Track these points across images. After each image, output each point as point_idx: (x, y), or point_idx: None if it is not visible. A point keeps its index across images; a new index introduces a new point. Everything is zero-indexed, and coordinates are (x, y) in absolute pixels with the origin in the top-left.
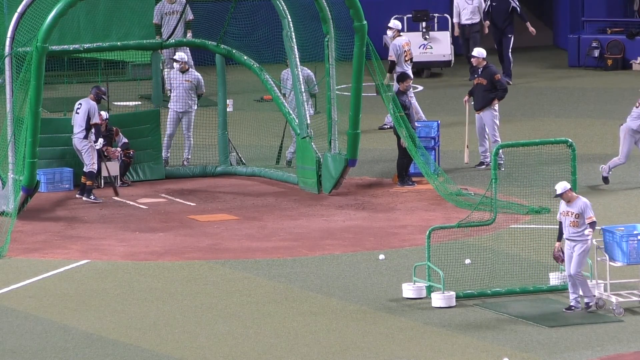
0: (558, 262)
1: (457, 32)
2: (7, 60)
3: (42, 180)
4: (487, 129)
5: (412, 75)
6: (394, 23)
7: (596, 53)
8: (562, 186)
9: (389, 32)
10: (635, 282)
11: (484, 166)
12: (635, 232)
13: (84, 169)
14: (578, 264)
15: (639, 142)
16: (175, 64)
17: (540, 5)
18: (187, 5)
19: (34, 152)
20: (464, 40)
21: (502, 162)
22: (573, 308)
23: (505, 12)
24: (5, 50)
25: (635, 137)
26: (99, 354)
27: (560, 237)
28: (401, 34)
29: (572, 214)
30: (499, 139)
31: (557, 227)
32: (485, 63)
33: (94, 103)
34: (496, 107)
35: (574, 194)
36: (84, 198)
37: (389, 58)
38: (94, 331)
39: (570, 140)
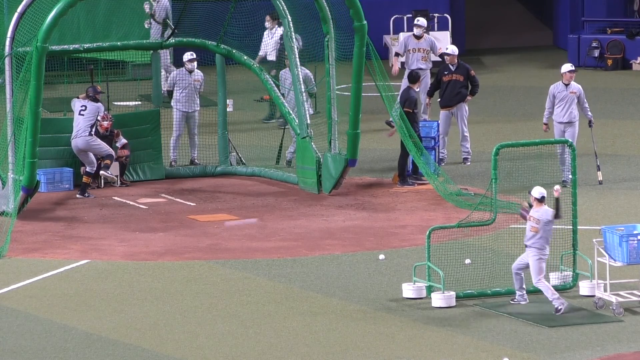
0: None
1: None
2: (7, 60)
3: (42, 180)
4: (459, 124)
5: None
6: (423, 21)
7: (596, 53)
8: (538, 191)
9: (416, 30)
10: (635, 282)
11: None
12: (635, 232)
13: (87, 169)
14: (536, 272)
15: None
16: (190, 63)
17: (540, 5)
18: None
19: (34, 152)
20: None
21: (469, 156)
22: (516, 301)
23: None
24: (5, 50)
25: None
26: (99, 354)
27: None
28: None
29: (533, 219)
30: (468, 134)
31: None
32: (457, 60)
33: (98, 104)
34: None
35: (543, 204)
36: (78, 195)
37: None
38: (94, 331)
39: (570, 140)
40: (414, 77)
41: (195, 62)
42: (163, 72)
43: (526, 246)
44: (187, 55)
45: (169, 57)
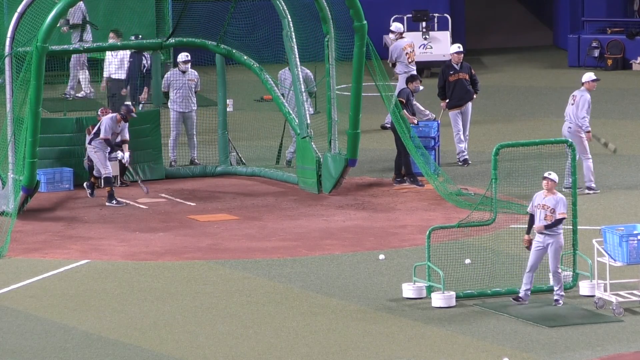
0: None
1: (103, 86)
2: (7, 60)
3: (42, 180)
4: (464, 125)
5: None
6: (396, 26)
7: (596, 53)
8: (555, 176)
9: (391, 35)
10: (635, 282)
11: (461, 164)
12: (635, 232)
13: (99, 174)
14: (556, 260)
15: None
16: (184, 65)
17: (540, 5)
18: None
19: (34, 152)
20: (109, 95)
21: (467, 156)
22: (520, 300)
23: (139, 70)
24: (5, 50)
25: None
26: (99, 354)
27: (529, 230)
28: (403, 35)
29: (547, 208)
30: (468, 135)
31: (528, 220)
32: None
33: (108, 118)
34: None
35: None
36: (107, 203)
37: (388, 61)
38: (94, 331)
39: (570, 140)
40: (407, 78)
41: (189, 64)
42: (72, 73)
43: (540, 233)
44: (182, 56)
45: (85, 58)
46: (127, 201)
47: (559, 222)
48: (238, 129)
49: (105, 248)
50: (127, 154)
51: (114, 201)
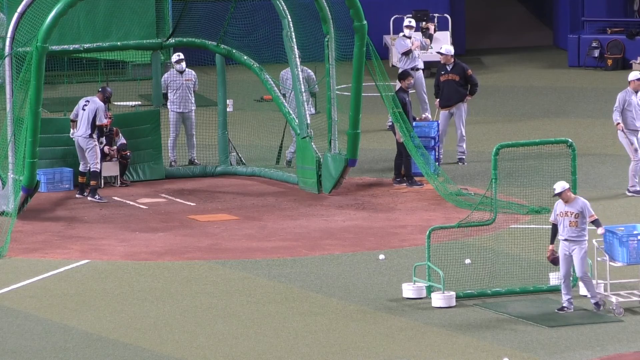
0: (555, 265)
1: None
2: (7, 60)
3: (42, 180)
4: (457, 124)
5: (413, 75)
6: (413, 21)
7: (596, 53)
8: (561, 185)
9: (407, 31)
10: (635, 282)
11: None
12: (635, 232)
13: (88, 167)
14: (582, 265)
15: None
16: (178, 64)
17: (540, 5)
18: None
19: (34, 152)
20: None
21: (464, 156)
22: (565, 309)
23: None
24: (5, 50)
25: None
26: (99, 354)
27: (553, 240)
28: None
29: (571, 214)
30: (465, 135)
31: (550, 228)
32: (453, 60)
33: (101, 103)
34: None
35: (572, 194)
36: (89, 198)
37: (419, 49)
38: (94, 331)
39: (570, 140)
40: (399, 75)
41: (183, 62)
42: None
43: (566, 240)
44: (175, 57)
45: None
46: (115, 197)
47: (598, 223)
48: (238, 129)
49: (105, 248)
50: (103, 139)
51: (97, 196)
